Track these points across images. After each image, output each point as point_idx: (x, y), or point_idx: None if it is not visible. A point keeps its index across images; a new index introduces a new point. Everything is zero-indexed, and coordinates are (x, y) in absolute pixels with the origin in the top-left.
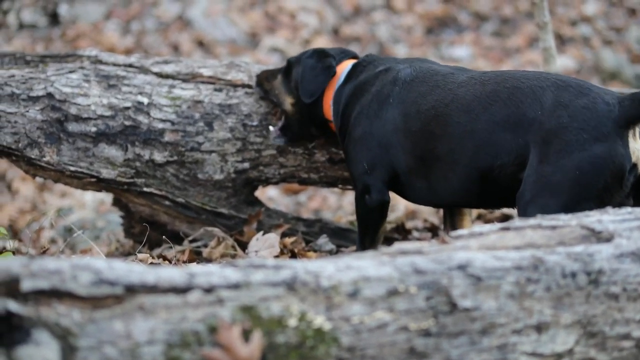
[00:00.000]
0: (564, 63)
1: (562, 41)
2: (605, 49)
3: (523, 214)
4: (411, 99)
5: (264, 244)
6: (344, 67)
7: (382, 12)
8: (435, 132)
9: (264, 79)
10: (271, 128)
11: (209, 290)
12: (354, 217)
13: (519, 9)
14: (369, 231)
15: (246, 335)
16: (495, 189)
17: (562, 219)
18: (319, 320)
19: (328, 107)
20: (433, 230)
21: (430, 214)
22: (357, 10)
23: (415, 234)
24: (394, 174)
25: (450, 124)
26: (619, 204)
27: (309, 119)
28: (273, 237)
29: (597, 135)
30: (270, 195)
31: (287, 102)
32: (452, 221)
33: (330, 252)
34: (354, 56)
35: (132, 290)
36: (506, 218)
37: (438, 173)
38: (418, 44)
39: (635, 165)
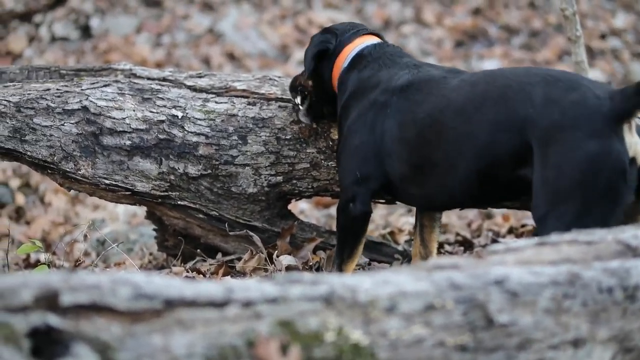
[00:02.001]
0: (594, 76)
1: (591, 54)
2: (634, 62)
3: (542, 228)
4: (407, 107)
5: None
6: (352, 48)
7: (411, 25)
8: (431, 139)
9: (295, 79)
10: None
11: (247, 304)
12: (386, 231)
13: (548, 22)
14: (349, 242)
15: (284, 349)
16: (494, 188)
17: (598, 234)
18: (356, 335)
19: (336, 86)
20: (465, 244)
21: (462, 228)
22: (386, 23)
23: (447, 247)
24: (386, 183)
25: (445, 129)
26: (628, 200)
27: (323, 95)
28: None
29: (591, 131)
30: (302, 208)
31: (309, 83)
32: (421, 232)
33: (363, 266)
34: (370, 33)
35: (170, 304)
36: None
37: (435, 179)
38: (448, 57)
39: (634, 159)
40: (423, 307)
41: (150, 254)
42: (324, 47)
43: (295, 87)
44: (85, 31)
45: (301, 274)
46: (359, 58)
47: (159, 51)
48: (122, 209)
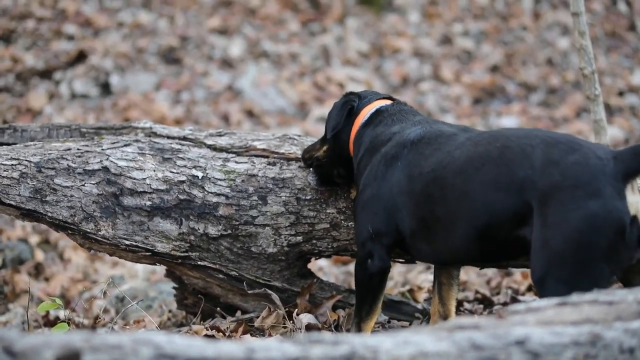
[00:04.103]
0: (612, 133)
1: (609, 111)
2: None
3: (541, 290)
4: (415, 161)
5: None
6: (371, 108)
7: (429, 82)
8: (434, 194)
9: (305, 151)
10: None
11: None
12: (405, 289)
13: (566, 79)
14: (367, 300)
15: None
16: (494, 246)
17: (619, 294)
18: None
19: (352, 142)
20: (484, 302)
21: (481, 286)
22: (405, 81)
23: (467, 305)
24: (398, 238)
25: (447, 186)
26: (628, 259)
27: (337, 159)
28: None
29: (591, 191)
30: (320, 265)
31: (321, 150)
32: (439, 290)
33: (383, 324)
34: (389, 97)
35: None
36: None
37: (439, 234)
38: (466, 114)
39: (635, 218)
40: None
41: (170, 311)
42: (350, 105)
43: (305, 157)
44: (105, 88)
45: (322, 334)
46: (377, 114)
47: (178, 108)
48: (141, 266)
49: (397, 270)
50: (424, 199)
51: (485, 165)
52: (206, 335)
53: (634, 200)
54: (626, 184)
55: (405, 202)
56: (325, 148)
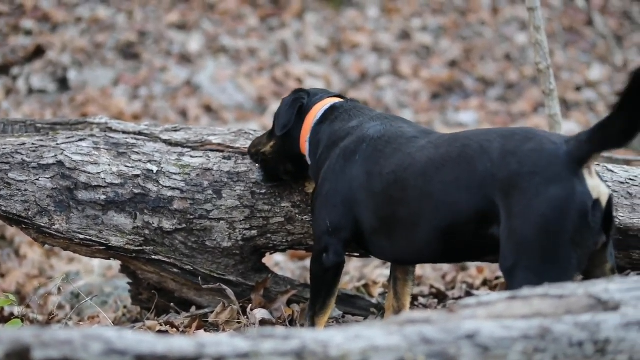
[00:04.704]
0: (569, 128)
1: (567, 106)
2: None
3: (510, 279)
4: (375, 158)
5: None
6: (323, 105)
7: (388, 78)
8: (395, 197)
9: (252, 145)
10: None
11: (218, 359)
12: (361, 283)
13: (524, 74)
14: (321, 294)
15: None
16: (457, 246)
17: (569, 288)
18: None
19: (304, 142)
20: (439, 297)
21: (436, 280)
22: (363, 76)
23: (422, 300)
24: (357, 233)
25: (408, 187)
26: (593, 244)
27: (285, 156)
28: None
29: (550, 176)
30: (277, 260)
31: (268, 146)
32: (395, 285)
33: (337, 319)
34: (338, 96)
35: None
36: None
37: (400, 234)
38: (424, 109)
39: (597, 201)
40: None
41: (125, 307)
42: (300, 102)
43: (252, 152)
44: (63, 83)
45: (273, 328)
46: (331, 110)
47: (136, 103)
48: (97, 262)
49: (353, 265)
50: (384, 199)
51: (446, 165)
52: (160, 331)
53: (594, 184)
54: (583, 168)
55: (364, 199)
56: (272, 144)
